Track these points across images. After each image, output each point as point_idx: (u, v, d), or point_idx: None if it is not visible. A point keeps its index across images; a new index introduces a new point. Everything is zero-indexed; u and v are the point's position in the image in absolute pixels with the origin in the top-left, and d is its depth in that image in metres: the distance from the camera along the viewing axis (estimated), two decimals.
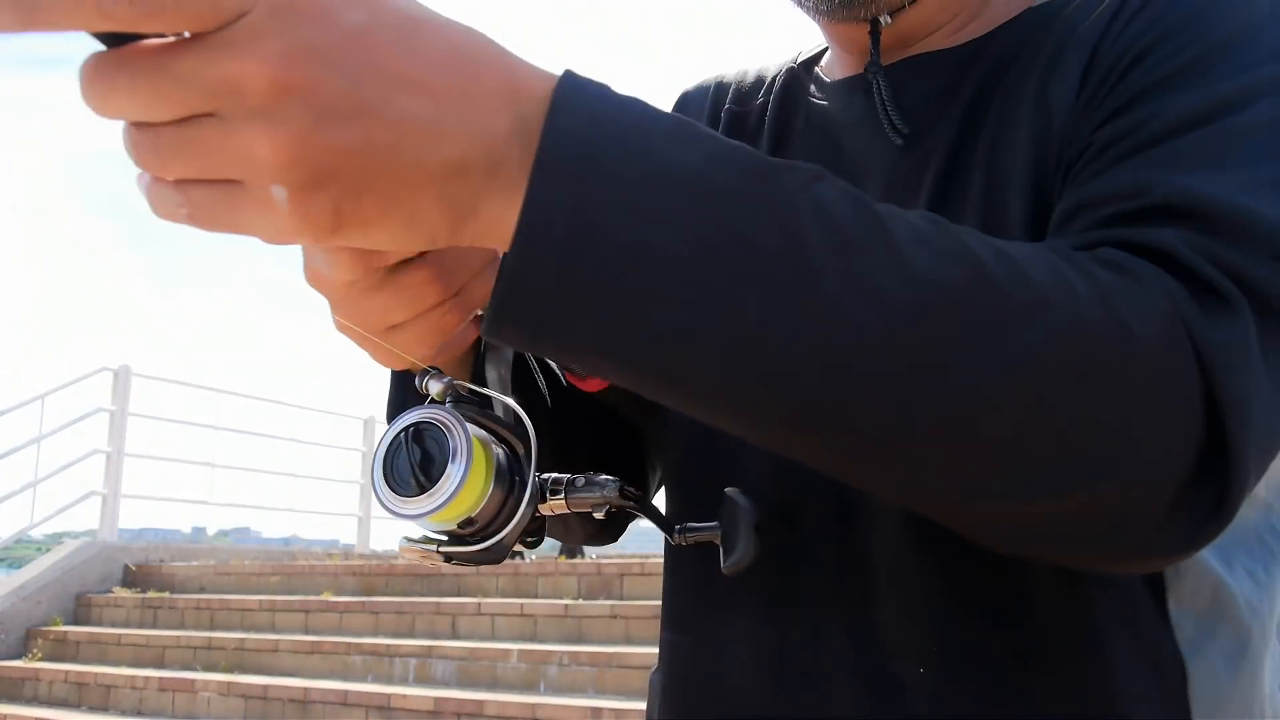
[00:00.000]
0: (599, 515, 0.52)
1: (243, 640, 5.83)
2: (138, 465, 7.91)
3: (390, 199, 0.37)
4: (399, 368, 0.54)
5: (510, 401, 0.50)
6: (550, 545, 9.42)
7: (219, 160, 0.35)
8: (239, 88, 0.34)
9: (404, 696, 4.73)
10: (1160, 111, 0.50)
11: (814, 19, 0.67)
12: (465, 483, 0.45)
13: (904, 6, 0.63)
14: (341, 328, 0.49)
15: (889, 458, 0.43)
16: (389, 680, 5.20)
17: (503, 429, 0.49)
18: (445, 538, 0.49)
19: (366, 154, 0.35)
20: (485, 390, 0.51)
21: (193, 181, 0.36)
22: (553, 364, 0.61)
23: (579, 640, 5.01)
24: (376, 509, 9.86)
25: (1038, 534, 0.46)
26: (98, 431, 7.66)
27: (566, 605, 5.27)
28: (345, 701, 4.87)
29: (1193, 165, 0.48)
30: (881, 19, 0.64)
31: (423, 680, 5.12)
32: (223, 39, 0.34)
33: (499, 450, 0.48)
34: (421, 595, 6.07)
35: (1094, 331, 0.42)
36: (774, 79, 0.74)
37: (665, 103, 0.70)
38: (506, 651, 4.94)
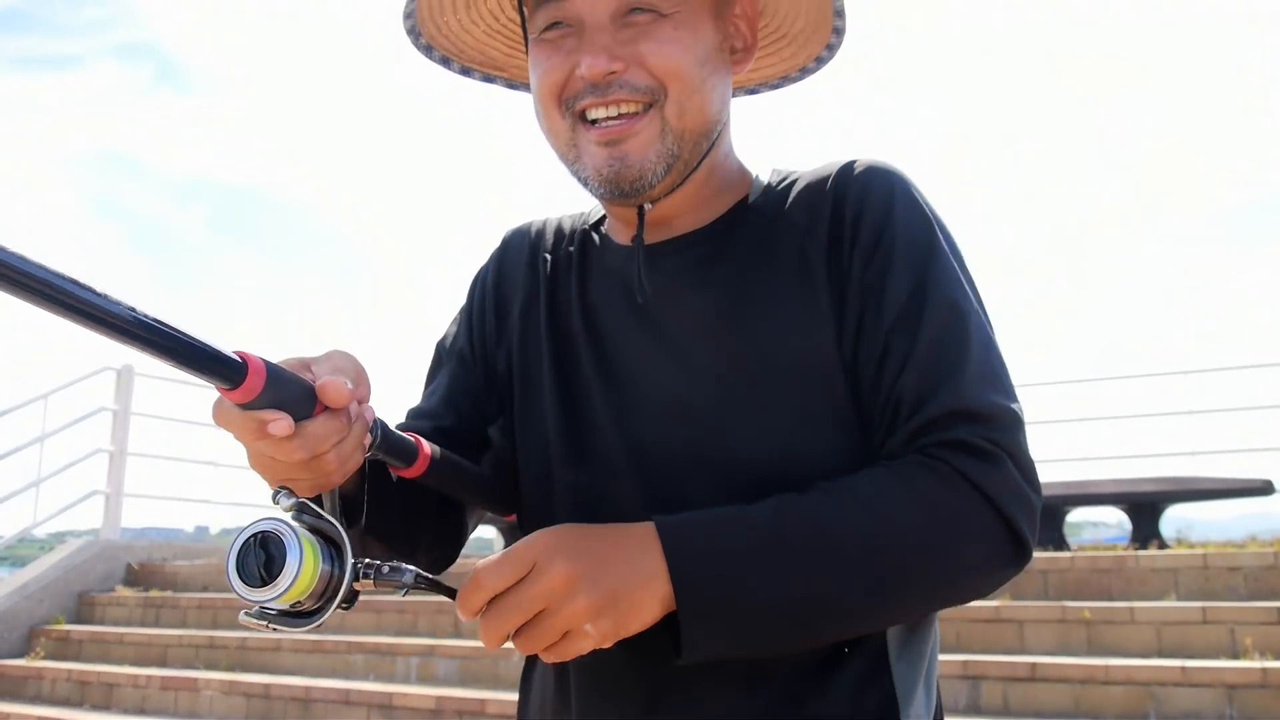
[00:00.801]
0: (402, 594, 0.73)
1: (245, 639, 5.84)
2: (140, 464, 7.92)
3: (633, 614, 0.73)
4: (271, 487, 0.74)
5: (335, 522, 0.70)
6: None
7: (556, 628, 0.71)
8: (553, 590, 0.70)
9: (406, 695, 4.73)
10: (914, 334, 0.83)
11: (596, 199, 0.93)
12: (297, 579, 0.63)
13: (661, 198, 0.90)
14: (250, 459, 0.75)
15: (902, 619, 0.88)
16: (391, 679, 5.20)
17: (330, 528, 0.69)
18: (274, 612, 0.67)
19: (616, 597, 0.72)
20: (318, 509, 0.70)
21: (534, 633, 0.73)
22: (385, 460, 0.80)
23: None
24: None
25: (950, 603, 0.86)
26: (100, 430, 7.67)
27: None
28: (347, 700, 4.88)
29: (945, 378, 0.81)
30: (646, 205, 0.90)
31: (425, 679, 5.12)
32: (532, 578, 0.71)
33: (325, 550, 0.67)
34: (422, 595, 6.07)
35: (944, 526, 0.79)
36: (573, 233, 1.02)
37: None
38: (508, 650, 4.93)
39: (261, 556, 0.64)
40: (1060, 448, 8.75)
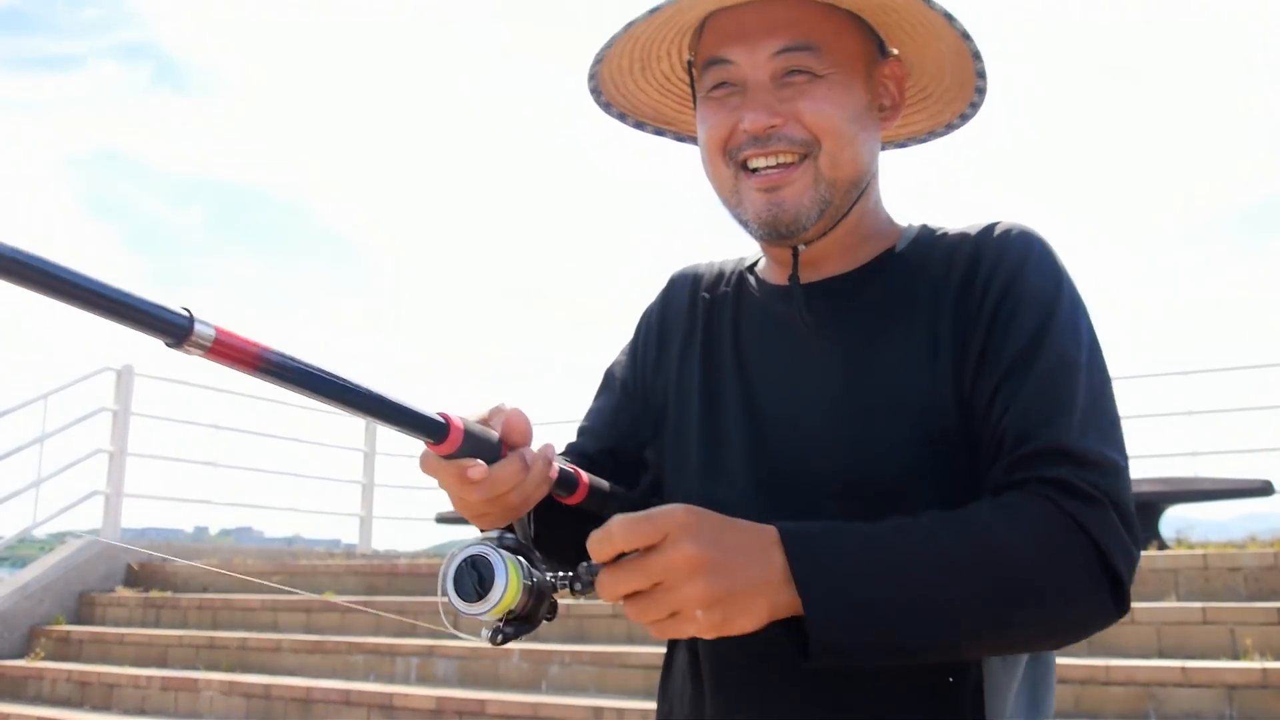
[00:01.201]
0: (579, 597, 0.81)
1: (245, 639, 5.84)
2: (140, 465, 7.92)
3: (743, 610, 0.74)
4: (471, 521, 0.90)
5: (529, 544, 0.82)
6: None
7: (668, 605, 0.73)
8: (675, 567, 0.72)
9: (406, 696, 4.73)
10: (1024, 376, 0.89)
11: (756, 240, 1.02)
12: (505, 594, 0.76)
13: (815, 240, 0.99)
14: (454, 502, 0.88)
15: (1008, 646, 0.88)
16: (391, 679, 5.20)
17: (526, 550, 0.81)
18: (494, 623, 0.79)
19: (733, 589, 0.73)
20: (515, 536, 0.82)
21: (645, 603, 0.74)
22: (554, 492, 0.90)
23: (581, 639, 5.02)
24: (378, 508, 9.89)
25: (1061, 641, 0.88)
26: (100, 431, 7.67)
27: (568, 605, 5.27)
28: (347, 701, 4.88)
29: (1050, 419, 0.86)
30: (800, 246, 0.99)
31: (424, 679, 5.12)
32: (660, 549, 0.72)
33: (524, 568, 0.78)
34: (423, 594, 6.07)
35: (1050, 564, 0.81)
36: (730, 275, 1.11)
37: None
38: (508, 651, 4.94)
39: (474, 576, 0.76)
40: None
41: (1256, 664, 3.71)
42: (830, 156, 0.95)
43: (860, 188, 0.99)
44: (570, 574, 0.79)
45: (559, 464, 0.90)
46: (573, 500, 0.93)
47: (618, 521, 0.73)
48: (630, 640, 4.90)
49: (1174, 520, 6.36)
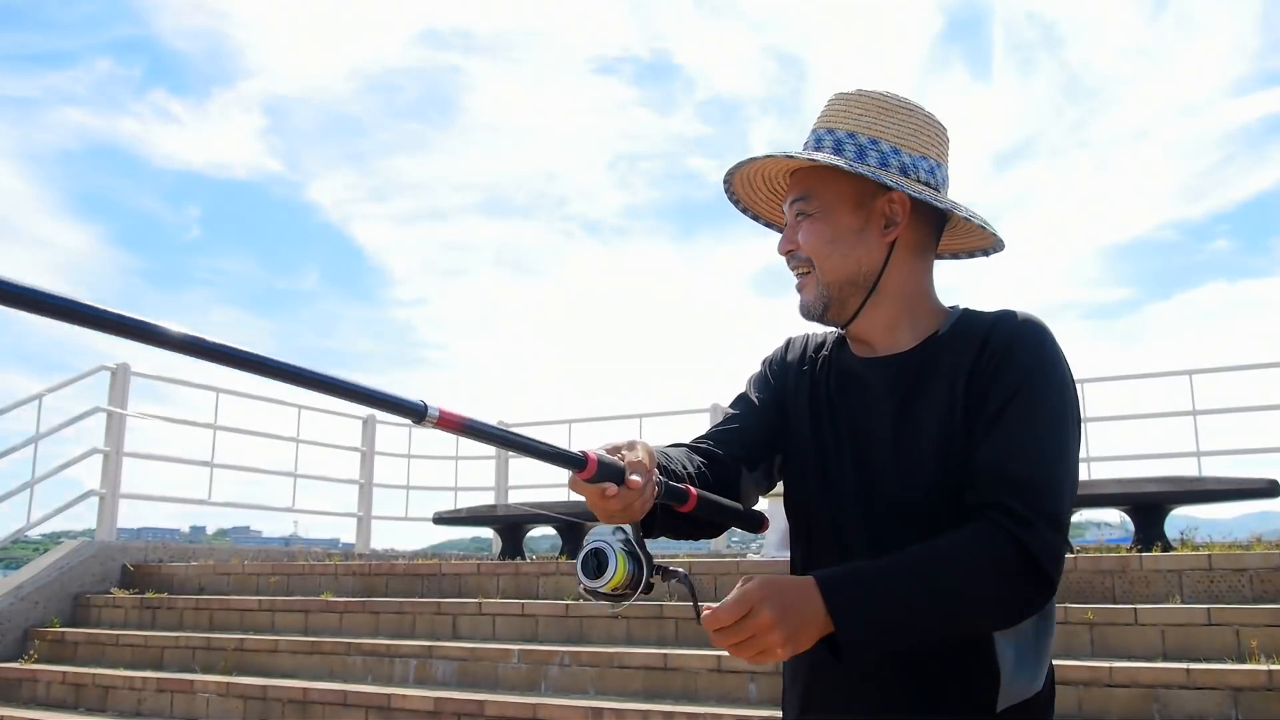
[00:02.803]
0: (669, 587, 1.20)
1: (242, 640, 5.80)
2: (136, 465, 7.88)
3: (804, 640, 1.11)
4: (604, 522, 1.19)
5: (636, 541, 1.18)
6: (552, 545, 9.38)
7: (760, 647, 1.09)
8: (760, 626, 1.08)
9: (404, 697, 4.70)
10: (996, 425, 1.23)
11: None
12: (615, 574, 1.13)
13: (847, 324, 1.37)
14: (590, 505, 1.15)
15: (973, 630, 1.23)
16: (389, 681, 5.17)
17: (637, 544, 1.17)
18: (606, 594, 1.15)
19: (796, 629, 1.09)
20: (628, 533, 1.18)
21: (743, 648, 1.10)
22: (668, 503, 1.21)
23: (580, 640, 4.99)
24: (377, 509, 9.86)
25: (1009, 625, 1.23)
26: (96, 431, 7.64)
27: (567, 605, 5.24)
28: (345, 702, 4.84)
29: (1010, 454, 1.20)
30: (841, 328, 1.40)
31: (423, 681, 5.09)
32: (751, 616, 1.08)
33: (631, 558, 1.15)
34: (422, 595, 6.04)
35: (992, 574, 1.16)
36: (829, 342, 1.46)
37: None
38: (507, 652, 4.91)
39: (593, 562, 1.13)
40: None
41: (1262, 666, 3.68)
42: (821, 269, 1.34)
43: (862, 285, 1.33)
44: (665, 565, 1.18)
45: (674, 484, 1.21)
46: (685, 509, 1.23)
47: (721, 608, 1.09)
48: (629, 641, 4.87)
49: (1178, 521, 6.34)
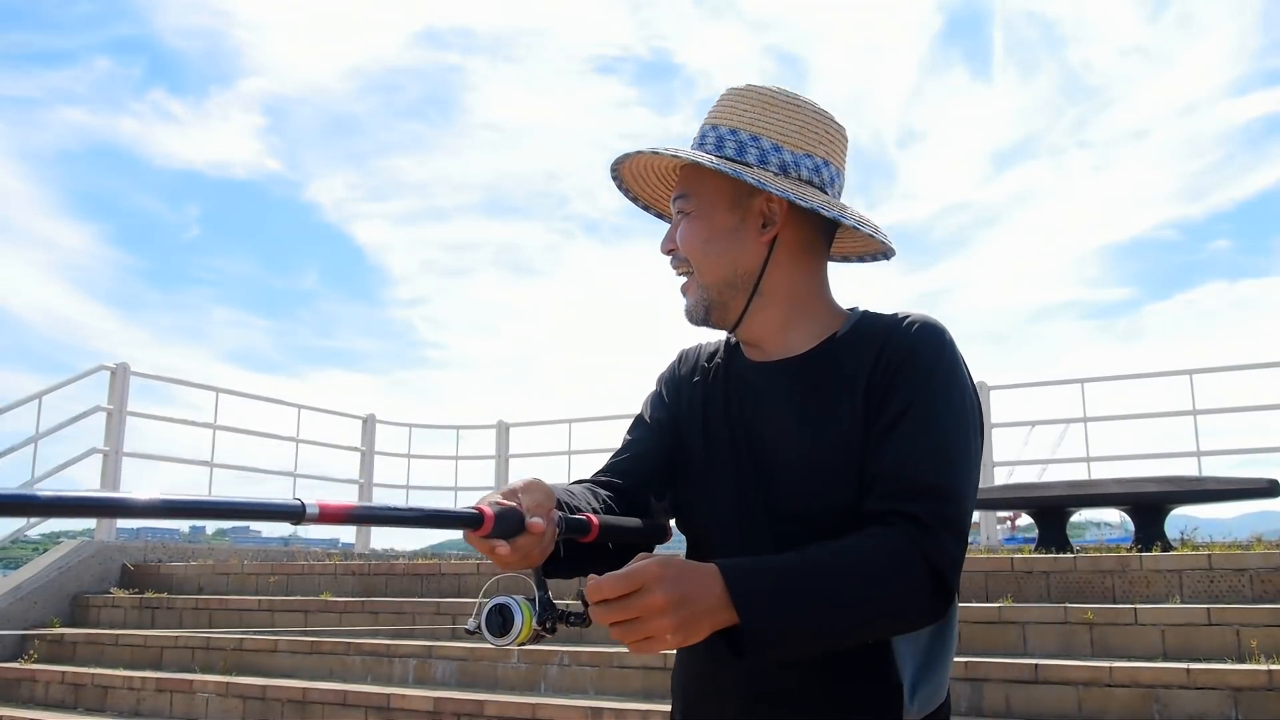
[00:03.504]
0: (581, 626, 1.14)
1: (241, 640, 5.80)
2: (136, 465, 7.88)
3: (698, 630, 1.03)
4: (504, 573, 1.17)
5: (540, 590, 1.14)
6: None
7: (645, 632, 1.00)
8: (649, 606, 0.99)
9: (403, 697, 4.70)
10: (893, 433, 1.19)
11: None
12: (521, 631, 1.09)
13: (732, 328, 1.33)
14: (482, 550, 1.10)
15: (874, 636, 1.19)
16: (388, 681, 5.17)
17: (540, 589, 1.14)
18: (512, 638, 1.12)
19: (691, 615, 1.02)
20: (533, 583, 1.15)
21: (627, 629, 1.01)
22: (570, 538, 1.16)
23: (579, 640, 4.98)
24: None
25: (903, 631, 1.20)
26: (96, 431, 7.63)
27: (568, 604, 5.23)
28: (344, 702, 4.84)
29: (911, 461, 1.16)
30: (729, 332, 1.36)
31: (423, 681, 5.09)
32: (639, 594, 1.00)
33: (535, 608, 1.11)
34: (422, 595, 6.04)
35: (896, 580, 1.11)
36: (719, 350, 1.41)
37: None
38: (507, 652, 4.91)
39: (498, 619, 1.10)
40: (1064, 447, 8.72)
41: (1262, 666, 3.68)
42: (699, 270, 1.31)
43: (741, 286, 1.30)
44: (571, 611, 1.13)
45: (573, 516, 1.17)
46: (588, 540, 1.19)
47: (606, 579, 1.01)
48: None
49: (1178, 520, 6.33)
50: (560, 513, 1.15)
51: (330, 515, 0.93)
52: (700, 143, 1.32)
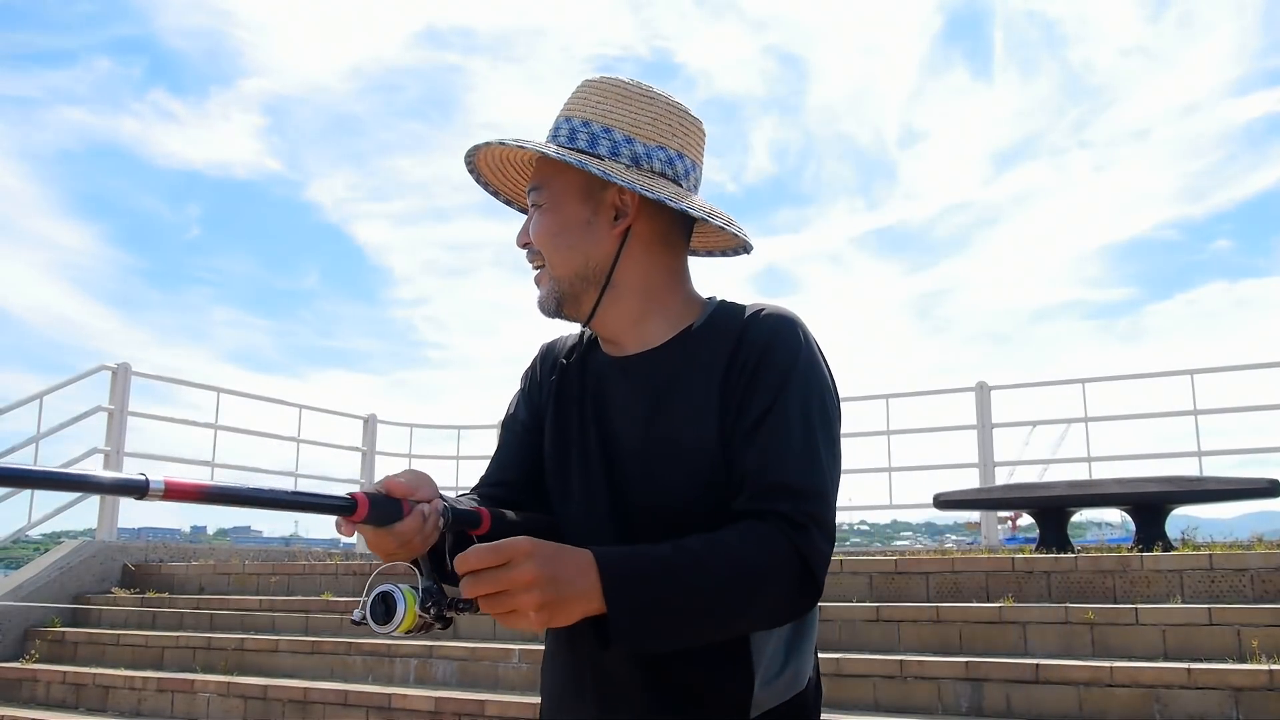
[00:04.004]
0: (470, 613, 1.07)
1: (242, 640, 5.80)
2: (136, 464, 7.88)
3: (566, 612, 1.01)
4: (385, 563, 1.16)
5: (427, 577, 1.11)
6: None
7: (510, 605, 0.99)
8: (516, 580, 0.98)
9: (404, 697, 4.70)
10: (758, 431, 1.18)
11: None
12: (404, 619, 1.04)
13: (586, 321, 1.31)
14: (368, 543, 1.12)
15: (743, 630, 1.19)
16: (389, 681, 5.17)
17: (430, 579, 1.10)
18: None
19: (560, 596, 1.00)
20: (419, 571, 1.14)
21: (494, 602, 0.99)
22: (460, 529, 1.15)
23: None
24: None
25: (775, 625, 1.21)
26: (96, 431, 7.63)
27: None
28: (345, 702, 4.84)
29: (776, 465, 1.16)
30: (583, 325, 1.34)
31: (423, 681, 5.09)
32: (509, 567, 0.98)
33: (421, 596, 1.07)
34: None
35: (770, 573, 1.11)
36: (579, 344, 1.40)
37: None
38: (508, 651, 4.91)
39: (381, 606, 1.05)
40: (1065, 448, 8.72)
41: (1263, 666, 3.68)
42: (550, 261, 1.28)
43: (593, 279, 1.28)
44: (455, 600, 1.07)
45: (464, 505, 1.17)
46: (479, 533, 1.16)
47: (475, 550, 1.00)
48: None
49: (1179, 520, 6.33)
50: (445, 502, 1.13)
51: (178, 492, 0.89)
52: (554, 135, 1.30)
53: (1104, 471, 7.87)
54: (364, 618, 1.06)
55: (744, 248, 1.40)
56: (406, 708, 4.66)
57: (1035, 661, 3.98)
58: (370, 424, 10.05)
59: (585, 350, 1.39)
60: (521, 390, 1.45)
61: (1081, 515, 6.96)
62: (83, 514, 7.76)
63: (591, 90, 1.31)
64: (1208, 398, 7.75)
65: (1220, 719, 3.63)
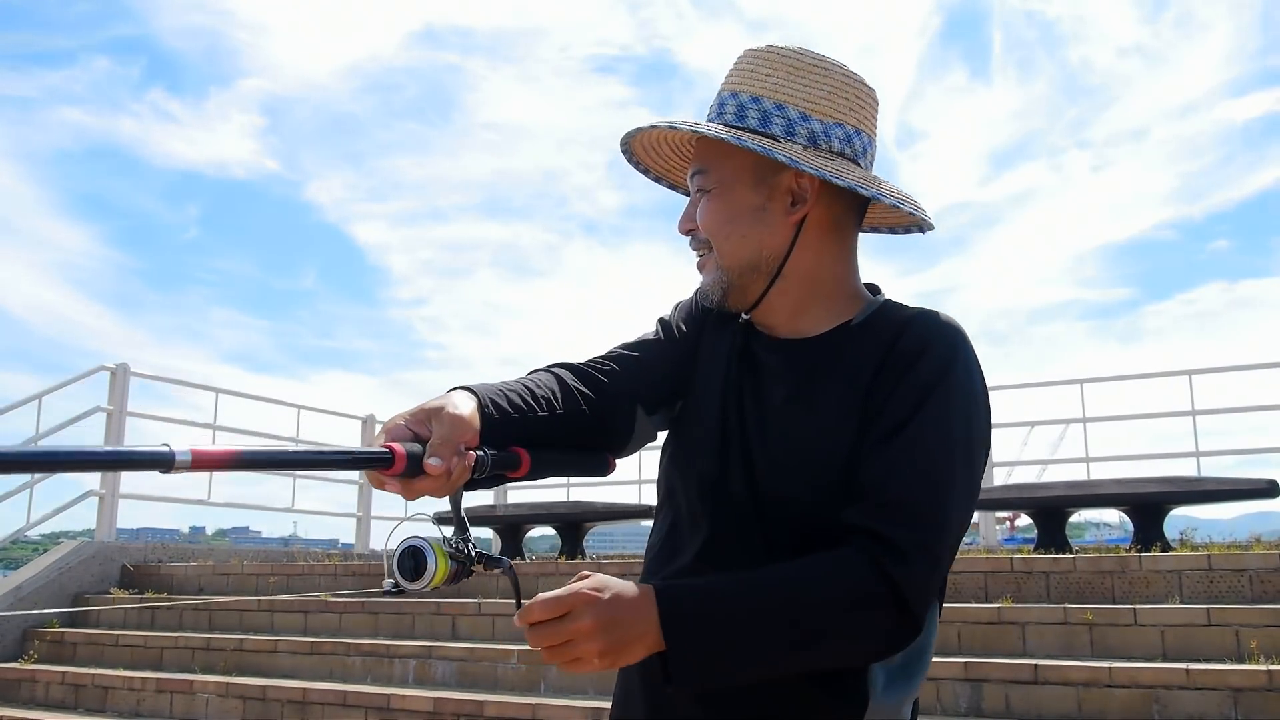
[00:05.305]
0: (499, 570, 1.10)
1: (242, 641, 5.80)
2: None
3: (629, 654, 1.01)
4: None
5: (446, 531, 1.08)
6: (551, 546, 9.38)
7: (573, 654, 0.99)
8: (578, 631, 0.98)
9: (403, 697, 4.70)
10: (889, 444, 1.09)
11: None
12: (435, 575, 1.03)
13: (750, 310, 1.24)
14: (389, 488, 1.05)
15: (826, 665, 1.10)
16: (388, 681, 5.17)
17: (457, 527, 1.08)
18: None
19: (621, 641, 0.99)
20: (455, 519, 1.10)
21: (557, 652, 0.99)
22: (499, 473, 1.10)
23: None
24: (376, 509, 9.86)
25: (865, 660, 1.11)
26: (96, 431, 7.63)
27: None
28: (344, 703, 4.84)
29: (903, 477, 1.07)
30: (742, 313, 1.26)
31: (422, 681, 5.09)
32: (570, 618, 0.98)
33: (450, 547, 1.05)
34: (420, 595, 6.03)
35: (852, 610, 1.04)
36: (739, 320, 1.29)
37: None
38: (507, 652, 4.91)
39: (410, 562, 1.03)
40: (1063, 448, 8.73)
41: (1261, 666, 3.68)
42: (719, 250, 1.20)
43: (763, 269, 1.19)
44: (486, 554, 1.08)
45: (503, 454, 1.10)
46: (518, 475, 1.12)
47: (538, 602, 0.99)
48: None
49: (1178, 521, 6.34)
50: (481, 452, 1.07)
51: (207, 461, 0.85)
52: (719, 112, 1.20)
53: (1102, 472, 7.89)
54: (395, 582, 1.04)
55: (920, 226, 1.28)
56: (405, 708, 4.66)
57: (1034, 662, 3.98)
58: (369, 424, 10.05)
59: (744, 324, 1.28)
60: (673, 320, 1.33)
61: (1080, 516, 6.96)
62: (82, 514, 7.75)
63: (759, 61, 1.19)
64: (1206, 398, 7.77)
65: (1219, 719, 3.64)
